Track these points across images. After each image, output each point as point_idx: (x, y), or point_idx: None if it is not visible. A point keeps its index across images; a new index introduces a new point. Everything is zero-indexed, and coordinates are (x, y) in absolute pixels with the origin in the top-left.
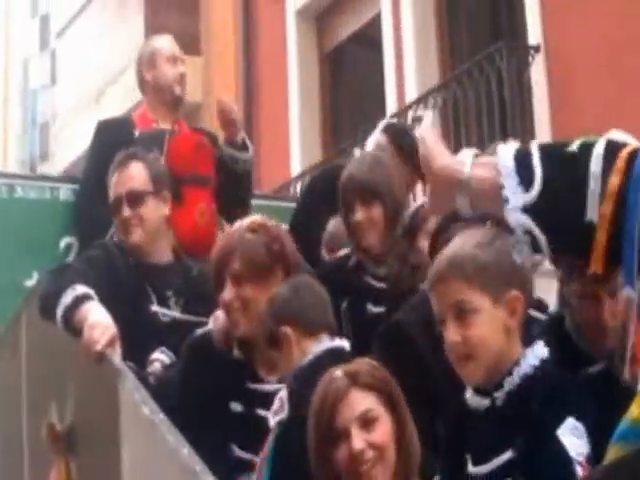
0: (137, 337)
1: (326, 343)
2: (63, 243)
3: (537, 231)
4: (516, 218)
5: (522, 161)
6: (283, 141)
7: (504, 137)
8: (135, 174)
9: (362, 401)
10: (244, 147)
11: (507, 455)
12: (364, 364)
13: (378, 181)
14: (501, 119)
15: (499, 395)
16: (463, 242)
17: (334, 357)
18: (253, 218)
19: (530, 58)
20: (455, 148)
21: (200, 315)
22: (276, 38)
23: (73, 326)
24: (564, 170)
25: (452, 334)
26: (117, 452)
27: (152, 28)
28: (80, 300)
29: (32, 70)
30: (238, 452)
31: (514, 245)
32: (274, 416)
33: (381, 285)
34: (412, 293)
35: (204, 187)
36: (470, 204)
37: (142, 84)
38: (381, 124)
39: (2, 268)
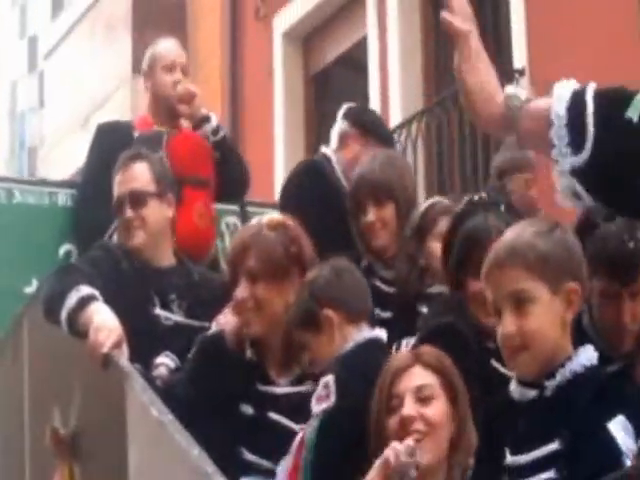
0: (140, 340)
1: (367, 332)
2: (62, 250)
3: (584, 194)
4: (564, 181)
5: (575, 116)
6: (269, 163)
7: (487, 162)
8: (138, 174)
9: (422, 377)
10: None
11: (552, 446)
12: (430, 349)
13: (391, 180)
14: (484, 144)
15: (550, 384)
16: (521, 230)
17: (375, 347)
18: (273, 216)
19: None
20: (438, 173)
21: (202, 319)
22: (262, 60)
23: (78, 328)
24: (619, 136)
25: (508, 324)
26: (123, 455)
27: (139, 50)
28: (85, 301)
29: (20, 92)
30: (247, 455)
31: (561, 202)
32: (317, 402)
33: (389, 289)
34: (419, 298)
35: (203, 188)
36: (518, 141)
37: (145, 89)
38: (340, 112)
39: (1, 275)
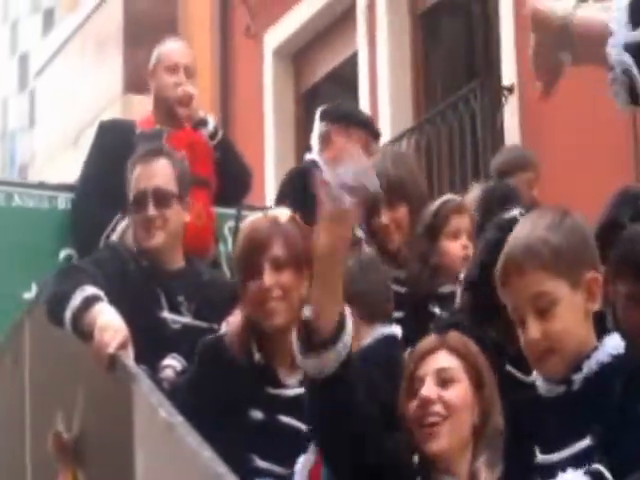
0: (146, 343)
1: (384, 328)
2: (62, 254)
3: (636, 71)
4: (617, 54)
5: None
6: (259, 180)
7: (476, 179)
8: (161, 171)
9: (445, 360)
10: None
11: (584, 442)
12: (457, 334)
13: (403, 180)
14: (474, 161)
15: (577, 378)
16: (532, 226)
17: (392, 343)
18: (284, 210)
19: (503, 99)
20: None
21: (211, 321)
22: (253, 77)
23: (82, 329)
24: None
25: (534, 331)
26: (130, 459)
27: (130, 68)
28: (89, 301)
29: (11, 111)
30: (258, 462)
31: (611, 83)
32: None
33: (401, 289)
34: (431, 298)
35: (201, 188)
36: (573, 55)
37: (148, 89)
38: (316, 115)
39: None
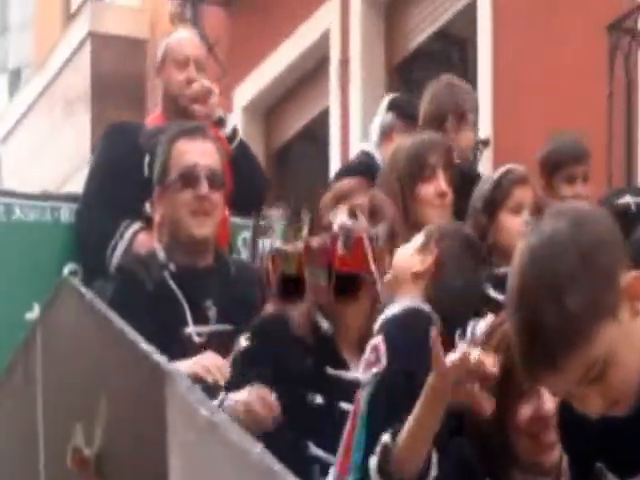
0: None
1: (410, 300)
2: (67, 270)
3: None
4: None
5: None
6: None
7: None
8: (210, 150)
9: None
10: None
11: None
12: None
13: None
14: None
15: None
16: (547, 273)
17: (420, 314)
18: None
19: (478, 153)
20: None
21: (238, 321)
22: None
23: None
24: None
25: (594, 406)
26: (162, 469)
27: (99, 129)
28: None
29: None
30: (315, 450)
31: None
32: (367, 368)
33: None
34: (486, 279)
35: None
36: None
37: (156, 86)
38: (383, 103)
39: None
